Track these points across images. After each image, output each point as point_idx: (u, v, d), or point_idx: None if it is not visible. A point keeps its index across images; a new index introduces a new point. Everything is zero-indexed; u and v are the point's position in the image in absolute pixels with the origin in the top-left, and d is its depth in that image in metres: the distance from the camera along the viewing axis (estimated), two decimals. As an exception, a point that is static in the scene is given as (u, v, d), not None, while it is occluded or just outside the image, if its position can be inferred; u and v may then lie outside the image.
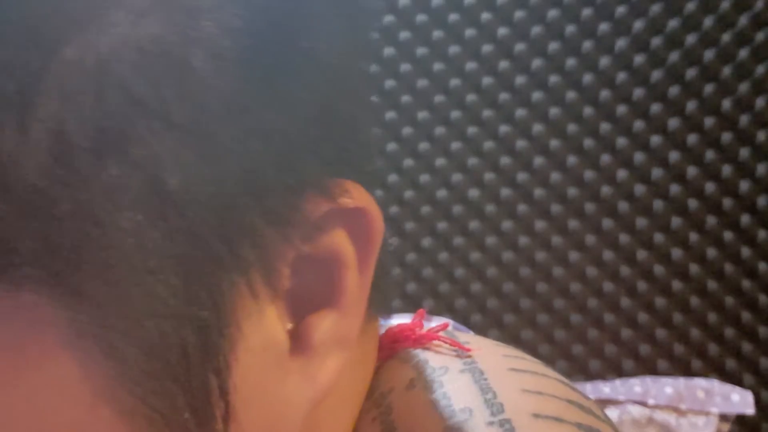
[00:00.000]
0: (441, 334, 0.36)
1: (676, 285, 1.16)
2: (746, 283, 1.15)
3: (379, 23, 1.16)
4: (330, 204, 0.29)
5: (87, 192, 0.25)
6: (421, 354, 0.36)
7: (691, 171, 1.15)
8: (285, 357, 0.29)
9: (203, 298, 0.27)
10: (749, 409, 1.09)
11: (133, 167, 0.25)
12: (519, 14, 1.15)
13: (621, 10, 1.13)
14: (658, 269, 1.17)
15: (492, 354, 0.36)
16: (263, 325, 0.29)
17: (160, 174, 0.26)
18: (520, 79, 1.16)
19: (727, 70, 1.12)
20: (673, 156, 1.15)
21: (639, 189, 1.16)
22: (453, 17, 1.16)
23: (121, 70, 0.25)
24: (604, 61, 1.14)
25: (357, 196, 0.30)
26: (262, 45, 0.27)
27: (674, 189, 1.15)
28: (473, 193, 1.18)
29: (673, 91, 1.13)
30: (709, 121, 1.13)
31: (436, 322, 0.38)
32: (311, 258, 0.29)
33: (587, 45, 1.15)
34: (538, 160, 1.17)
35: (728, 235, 1.15)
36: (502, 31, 1.16)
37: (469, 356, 0.35)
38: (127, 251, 0.26)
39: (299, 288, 0.30)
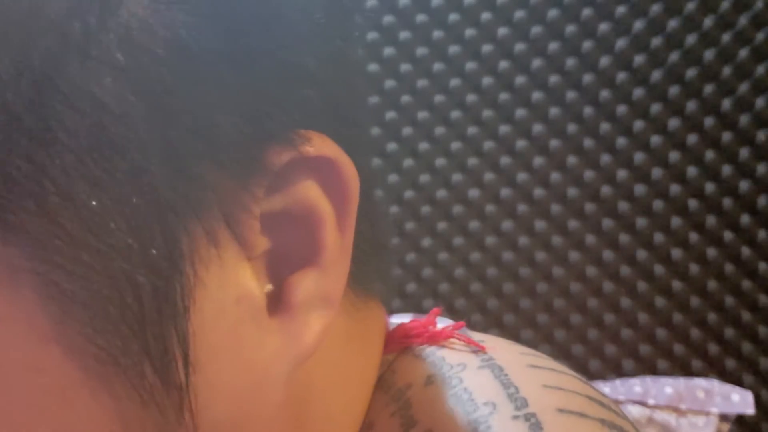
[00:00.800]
0: (456, 332, 0.36)
1: (676, 285, 1.16)
2: (746, 283, 1.15)
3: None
4: (291, 153, 0.29)
5: (20, 129, 0.26)
6: (437, 351, 0.35)
7: (691, 171, 1.15)
8: (262, 315, 0.30)
9: (154, 240, 0.27)
10: (749, 409, 1.09)
11: (66, 107, 0.26)
12: (519, 14, 1.15)
13: (621, 10, 1.13)
14: (658, 269, 1.17)
15: (509, 351, 0.36)
16: (234, 281, 0.29)
17: (98, 117, 0.26)
18: (520, 79, 1.16)
19: (727, 70, 1.12)
20: (673, 156, 1.15)
21: (639, 189, 1.16)
22: (453, 17, 1.16)
23: (53, 9, 0.26)
24: (604, 61, 1.14)
25: (320, 145, 0.30)
26: None
27: (674, 189, 1.15)
28: (473, 193, 1.18)
29: (673, 91, 1.13)
30: (709, 121, 1.13)
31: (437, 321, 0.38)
32: (286, 215, 0.30)
33: (587, 45, 1.15)
34: (538, 160, 1.17)
35: (728, 235, 1.15)
36: (502, 31, 1.16)
37: (486, 353, 0.35)
38: (66, 188, 0.26)
39: (278, 248, 0.30)
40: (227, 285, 0.29)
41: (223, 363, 0.29)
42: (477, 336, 0.37)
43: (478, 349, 0.35)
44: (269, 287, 0.30)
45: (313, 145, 0.29)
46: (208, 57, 0.27)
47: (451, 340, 0.36)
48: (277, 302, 0.30)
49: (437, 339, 0.36)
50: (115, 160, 0.26)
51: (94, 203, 0.26)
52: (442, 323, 0.38)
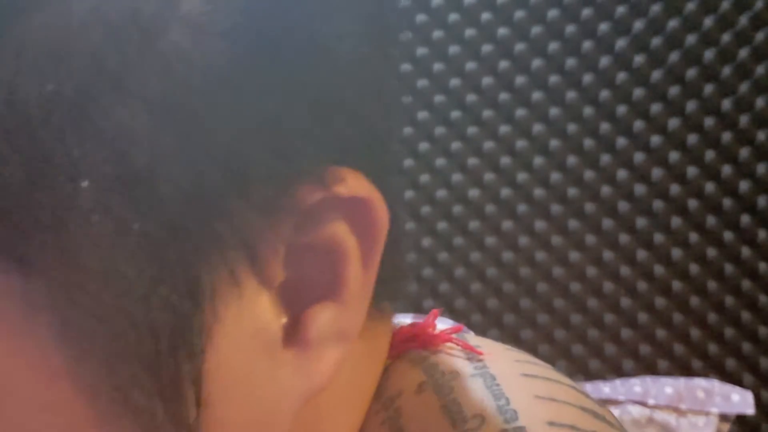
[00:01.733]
0: (453, 336, 0.36)
1: (676, 285, 1.16)
2: (746, 283, 1.15)
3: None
4: (324, 192, 0.28)
5: (40, 160, 0.25)
6: (432, 357, 0.35)
7: (691, 171, 1.15)
8: (277, 348, 0.29)
9: (176, 279, 0.26)
10: (749, 409, 1.09)
11: (95, 140, 0.25)
12: (519, 14, 1.15)
13: (621, 10, 1.13)
14: (658, 269, 1.17)
15: (503, 359, 0.35)
16: (251, 314, 0.28)
17: (127, 149, 0.25)
18: (520, 79, 1.16)
19: (727, 70, 1.12)
20: (673, 156, 1.15)
21: (639, 189, 1.16)
22: (453, 17, 1.16)
23: (90, 40, 0.25)
24: (604, 61, 1.14)
25: (354, 185, 0.28)
26: (256, 23, 0.26)
27: (674, 189, 1.15)
28: (473, 193, 1.18)
29: (673, 91, 1.13)
30: (709, 121, 1.13)
31: (437, 322, 0.38)
32: (309, 249, 0.29)
33: (587, 45, 1.15)
34: (538, 160, 1.17)
35: (728, 235, 1.15)
36: (502, 31, 1.16)
37: (481, 360, 0.34)
38: (86, 224, 0.25)
39: (297, 279, 0.29)
40: (245, 319, 0.28)
41: (235, 398, 0.28)
42: (473, 340, 0.36)
43: (473, 355, 0.35)
44: (285, 319, 0.29)
45: (347, 185, 0.28)
46: (245, 89, 0.26)
47: (449, 344, 0.36)
48: (292, 334, 0.29)
49: (434, 343, 0.36)
50: (140, 194, 0.25)
51: (115, 239, 0.25)
52: (443, 323, 0.38)
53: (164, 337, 0.26)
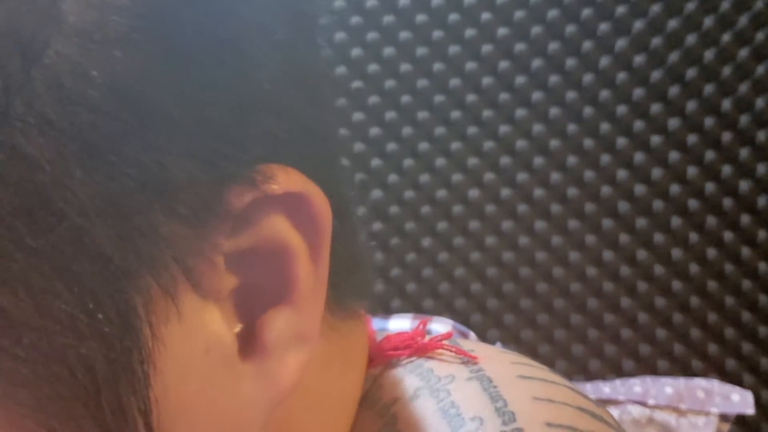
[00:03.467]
0: (444, 342, 0.36)
1: (676, 285, 1.16)
2: (746, 283, 1.15)
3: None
4: (254, 193, 0.27)
5: None
6: (425, 363, 0.35)
7: (691, 171, 1.15)
8: (234, 359, 0.28)
9: (103, 307, 0.25)
10: (749, 409, 1.09)
11: (1, 166, 0.23)
12: (519, 14, 1.15)
13: (621, 10, 1.13)
14: (658, 269, 1.17)
15: (499, 361, 0.35)
16: (199, 330, 0.27)
17: (28, 174, 0.23)
18: (520, 79, 1.16)
19: (727, 70, 1.12)
20: (673, 156, 1.15)
21: (639, 189, 1.16)
22: (453, 17, 1.16)
23: None
24: (604, 61, 1.14)
25: (286, 181, 0.27)
26: (153, 26, 0.25)
27: (674, 189, 1.15)
28: (473, 193, 1.18)
29: (673, 91, 1.13)
30: (709, 121, 1.13)
31: (437, 322, 0.38)
32: (254, 253, 0.28)
33: (587, 45, 1.14)
34: (538, 160, 1.17)
35: (728, 235, 1.15)
36: (502, 31, 1.16)
37: (476, 364, 0.34)
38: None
39: (247, 287, 0.28)
40: (193, 336, 0.27)
41: (196, 418, 0.27)
42: (467, 345, 0.36)
43: (467, 360, 0.35)
44: (239, 328, 0.28)
45: (278, 182, 0.27)
46: (152, 97, 0.25)
47: (440, 351, 0.35)
48: (249, 343, 0.28)
49: (426, 350, 0.36)
50: (50, 224, 0.24)
51: (30, 275, 0.24)
52: (442, 323, 0.38)
53: (101, 371, 0.25)
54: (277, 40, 0.28)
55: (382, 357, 0.36)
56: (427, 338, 0.36)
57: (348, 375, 0.34)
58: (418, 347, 0.36)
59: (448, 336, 0.36)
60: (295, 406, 0.31)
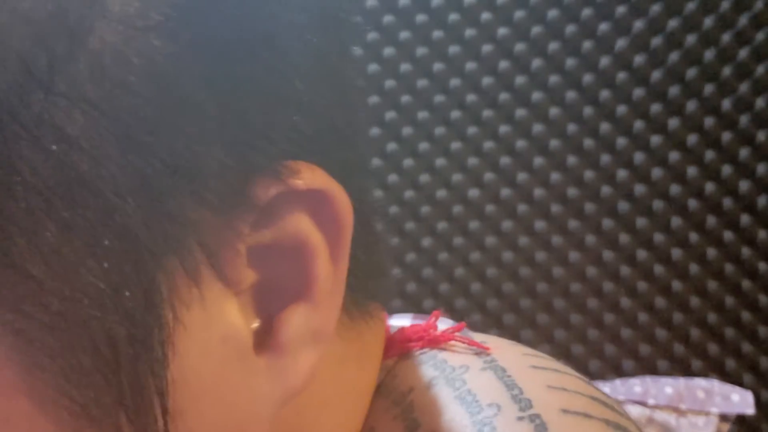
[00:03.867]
0: (456, 334, 0.36)
1: (676, 285, 1.16)
2: (746, 283, 1.15)
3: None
4: (280, 186, 0.27)
5: None
6: (439, 354, 0.35)
7: (691, 171, 1.15)
8: (249, 353, 0.28)
9: (130, 286, 0.25)
10: (749, 409, 1.09)
11: (32, 145, 0.24)
12: (519, 14, 1.15)
13: (621, 10, 1.13)
14: (658, 269, 1.17)
15: (511, 352, 0.35)
16: (218, 320, 0.27)
17: (65, 153, 0.24)
18: (520, 79, 1.16)
19: (727, 70, 1.12)
20: (673, 156, 1.15)
21: (639, 189, 1.16)
22: (453, 17, 1.16)
23: (15, 42, 0.24)
24: (604, 61, 1.14)
25: (310, 178, 0.28)
26: (194, 18, 0.26)
27: (674, 189, 1.15)
28: (473, 193, 1.18)
29: (673, 91, 1.13)
30: (709, 121, 1.13)
31: (438, 321, 0.38)
32: (275, 248, 0.28)
33: (587, 45, 1.15)
34: (538, 160, 1.17)
35: (728, 235, 1.15)
36: (502, 31, 1.16)
37: (489, 355, 0.34)
38: (32, 232, 0.24)
39: (267, 282, 0.29)
40: (212, 324, 0.27)
41: (206, 407, 0.28)
42: (479, 337, 0.36)
43: (480, 351, 0.35)
44: (257, 323, 0.29)
45: (303, 178, 0.28)
46: (188, 86, 0.26)
47: (453, 342, 0.36)
48: (265, 338, 0.29)
49: (438, 342, 0.36)
50: (85, 199, 0.25)
51: (63, 247, 0.25)
52: (443, 324, 0.38)
53: (123, 346, 0.26)
54: (311, 41, 0.29)
55: (396, 348, 0.36)
56: (439, 331, 0.36)
57: (362, 372, 0.35)
58: (431, 339, 0.36)
59: (460, 328, 0.36)
60: (308, 401, 0.31)
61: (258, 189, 0.27)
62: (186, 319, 0.27)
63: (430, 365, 0.34)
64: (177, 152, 0.25)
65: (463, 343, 0.36)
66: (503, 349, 0.35)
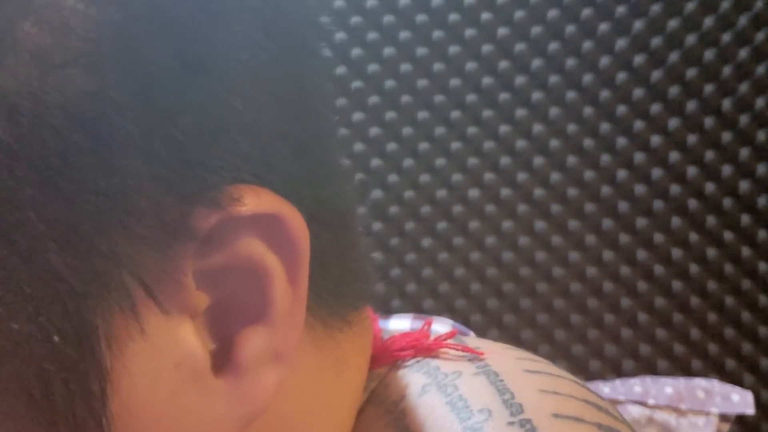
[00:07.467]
0: (449, 341, 0.36)
1: (676, 285, 1.16)
2: (746, 283, 1.15)
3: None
4: (220, 214, 0.26)
5: None
6: (432, 362, 0.35)
7: (691, 171, 1.15)
8: (206, 375, 0.28)
9: (59, 327, 0.25)
10: (749, 409, 1.09)
11: None
12: (519, 14, 1.15)
13: (621, 10, 1.13)
14: (658, 269, 1.17)
15: (505, 356, 0.35)
16: (172, 343, 0.27)
17: None
18: (520, 79, 1.16)
19: (727, 70, 1.12)
20: (673, 156, 1.15)
21: (639, 189, 1.16)
22: (453, 17, 1.16)
23: None
24: (604, 61, 1.14)
25: (255, 203, 0.27)
26: (111, 48, 0.25)
27: (674, 189, 1.15)
28: (473, 193, 1.18)
29: (673, 91, 1.13)
30: (709, 121, 1.13)
31: (437, 322, 0.38)
32: (227, 271, 0.28)
33: (587, 45, 1.15)
34: (538, 160, 1.17)
35: (728, 235, 1.15)
36: (502, 31, 1.16)
37: (482, 360, 0.34)
38: None
39: (224, 303, 0.28)
40: (162, 352, 0.27)
41: (168, 430, 0.27)
42: (472, 342, 0.37)
43: (473, 356, 0.35)
44: (214, 344, 0.28)
45: (246, 203, 0.27)
46: (113, 119, 0.24)
47: (445, 350, 0.36)
48: (224, 360, 0.28)
49: (431, 350, 0.36)
50: (3, 248, 0.24)
51: None
52: (442, 323, 0.38)
53: (57, 390, 0.25)
54: (256, 56, 0.28)
55: (388, 357, 0.36)
56: (432, 338, 0.36)
57: (341, 381, 0.34)
58: (423, 347, 0.36)
59: (452, 335, 0.36)
60: (284, 413, 0.31)
61: (196, 219, 0.26)
62: (128, 354, 0.26)
63: (423, 372, 0.34)
64: (104, 191, 0.24)
65: (456, 349, 0.36)
66: (497, 353, 0.35)
